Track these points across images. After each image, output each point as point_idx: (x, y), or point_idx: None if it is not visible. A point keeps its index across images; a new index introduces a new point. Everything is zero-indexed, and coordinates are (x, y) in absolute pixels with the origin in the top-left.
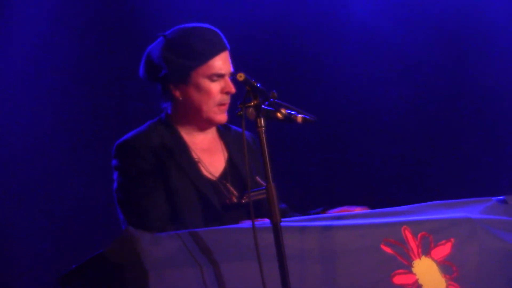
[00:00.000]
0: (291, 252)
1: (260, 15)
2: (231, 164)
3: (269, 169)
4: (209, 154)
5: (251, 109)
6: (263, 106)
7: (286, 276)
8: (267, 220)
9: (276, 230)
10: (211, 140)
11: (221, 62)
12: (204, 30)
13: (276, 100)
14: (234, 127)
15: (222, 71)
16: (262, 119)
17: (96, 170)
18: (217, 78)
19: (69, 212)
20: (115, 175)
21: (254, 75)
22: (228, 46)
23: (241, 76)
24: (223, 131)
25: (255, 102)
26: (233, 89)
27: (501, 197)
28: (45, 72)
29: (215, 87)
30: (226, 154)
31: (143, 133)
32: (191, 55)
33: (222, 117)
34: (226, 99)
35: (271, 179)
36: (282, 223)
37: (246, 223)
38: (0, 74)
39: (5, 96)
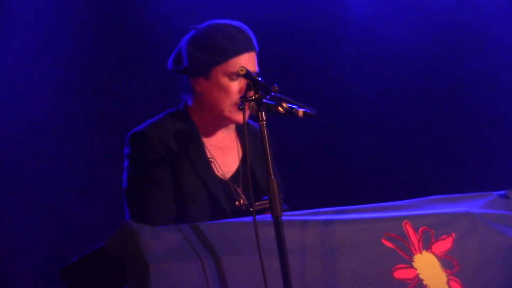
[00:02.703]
0: (292, 245)
1: (262, 14)
2: (245, 164)
3: (270, 163)
4: (224, 152)
5: (252, 103)
6: (264, 100)
7: (286, 270)
8: (269, 215)
9: (277, 223)
10: (228, 138)
11: (243, 62)
12: (231, 27)
13: (277, 94)
14: (252, 122)
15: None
16: (263, 113)
17: (96, 168)
18: (237, 78)
19: (68, 209)
20: (125, 164)
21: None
22: (256, 47)
23: (242, 70)
24: (241, 128)
25: (257, 96)
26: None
27: (502, 192)
28: (45, 72)
29: (234, 86)
30: (240, 153)
31: (159, 125)
32: (212, 51)
33: (239, 116)
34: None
35: (272, 173)
36: (283, 217)
37: (248, 217)
38: (0, 73)
39: (5, 95)
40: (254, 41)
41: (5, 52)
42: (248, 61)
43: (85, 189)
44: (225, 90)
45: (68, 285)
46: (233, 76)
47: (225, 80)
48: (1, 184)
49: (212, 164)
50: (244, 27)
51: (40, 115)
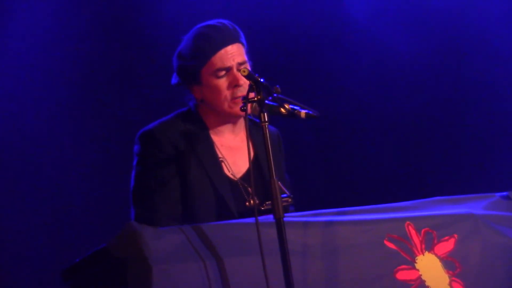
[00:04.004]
0: (294, 247)
1: (264, 15)
2: (256, 165)
3: (272, 164)
4: (234, 153)
5: (254, 104)
6: (266, 101)
7: (288, 271)
8: (271, 216)
9: (279, 225)
10: (238, 139)
11: (223, 57)
12: (207, 27)
13: (279, 96)
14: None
15: (226, 65)
16: (265, 114)
17: (98, 168)
18: (224, 73)
19: (70, 210)
20: (134, 162)
21: (257, 71)
22: (238, 38)
23: (244, 71)
24: (254, 131)
25: (259, 97)
26: (240, 81)
27: (504, 193)
28: (49, 72)
29: (222, 83)
30: (252, 154)
31: (169, 124)
32: (194, 55)
33: (238, 109)
34: (238, 92)
35: (274, 174)
36: (285, 218)
37: (250, 218)
38: (1, 73)
39: (5, 95)
40: (235, 33)
41: (8, 53)
42: (231, 54)
43: (87, 190)
44: (216, 89)
45: (70, 286)
46: (218, 73)
47: (213, 80)
48: (3, 185)
49: (223, 164)
50: (223, 22)
51: (43, 115)
